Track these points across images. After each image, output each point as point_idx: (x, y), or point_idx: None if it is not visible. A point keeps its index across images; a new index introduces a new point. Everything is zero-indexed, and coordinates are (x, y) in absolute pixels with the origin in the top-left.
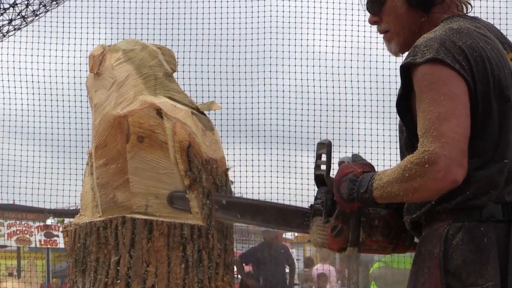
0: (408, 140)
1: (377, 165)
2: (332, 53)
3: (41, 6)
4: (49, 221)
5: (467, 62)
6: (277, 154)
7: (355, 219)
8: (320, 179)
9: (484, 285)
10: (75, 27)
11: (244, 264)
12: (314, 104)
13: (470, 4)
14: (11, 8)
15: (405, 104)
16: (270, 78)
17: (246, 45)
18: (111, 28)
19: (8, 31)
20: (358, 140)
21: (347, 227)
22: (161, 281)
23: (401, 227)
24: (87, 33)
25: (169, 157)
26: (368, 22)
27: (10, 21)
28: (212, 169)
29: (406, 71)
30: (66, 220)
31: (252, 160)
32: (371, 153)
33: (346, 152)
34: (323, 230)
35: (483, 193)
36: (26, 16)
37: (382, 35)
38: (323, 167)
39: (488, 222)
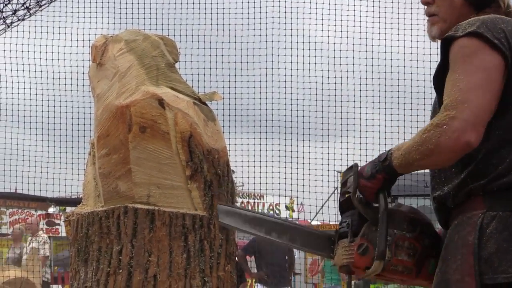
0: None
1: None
2: (335, 43)
3: None
4: (51, 210)
5: (506, 40)
6: (279, 145)
7: (382, 232)
8: (344, 206)
9: None
10: (78, 17)
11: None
12: (316, 94)
13: (509, 4)
14: None
15: (442, 78)
16: (273, 68)
17: (248, 35)
18: (114, 18)
19: (12, 22)
20: (361, 131)
21: (372, 247)
22: (163, 271)
23: (426, 251)
24: (90, 22)
25: (171, 147)
26: (421, 2)
27: (14, 12)
28: (213, 160)
29: (446, 45)
30: (68, 209)
31: (254, 150)
32: (373, 144)
33: (347, 142)
34: (349, 249)
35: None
36: (30, 7)
37: (427, 17)
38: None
39: None
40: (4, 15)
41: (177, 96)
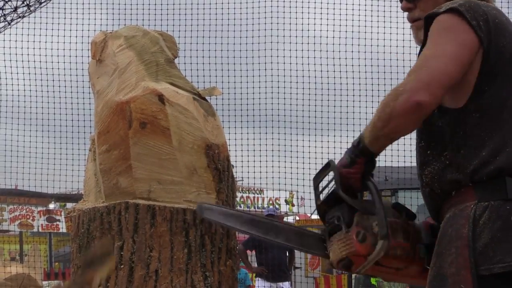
0: None
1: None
2: (333, 37)
3: None
4: (51, 206)
5: (485, 23)
6: (279, 139)
7: (380, 212)
8: (324, 208)
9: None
10: (77, 14)
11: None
12: (316, 88)
13: None
14: None
15: None
16: (272, 62)
17: (247, 30)
18: (113, 14)
19: (12, 19)
20: (360, 124)
21: (369, 233)
22: (164, 266)
23: (417, 235)
24: (89, 19)
25: (171, 142)
26: (401, 8)
27: (15, 9)
28: (214, 155)
29: (427, 23)
30: (68, 205)
31: (254, 144)
32: None
33: (347, 136)
34: (347, 239)
35: (499, 152)
36: (30, 4)
37: (410, 23)
38: (322, 196)
39: None
40: (5, 13)
41: (177, 91)
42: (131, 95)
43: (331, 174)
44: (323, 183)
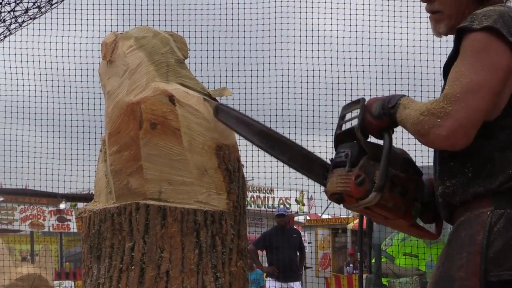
0: None
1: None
2: (344, 37)
3: None
4: (61, 206)
5: None
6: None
7: (384, 167)
8: (341, 137)
9: None
10: (87, 14)
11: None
12: (326, 88)
13: None
14: None
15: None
16: (282, 63)
17: (257, 30)
18: (123, 14)
19: (23, 21)
20: None
21: (368, 179)
22: (175, 267)
23: (415, 193)
24: (99, 19)
25: (181, 143)
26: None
27: (26, 10)
28: (224, 155)
29: (460, 35)
30: (79, 205)
31: None
32: None
33: None
34: (346, 178)
35: None
36: (41, 6)
37: (429, 14)
38: (344, 127)
39: None
40: (16, 14)
41: (187, 92)
42: (141, 96)
43: (355, 112)
44: (351, 115)
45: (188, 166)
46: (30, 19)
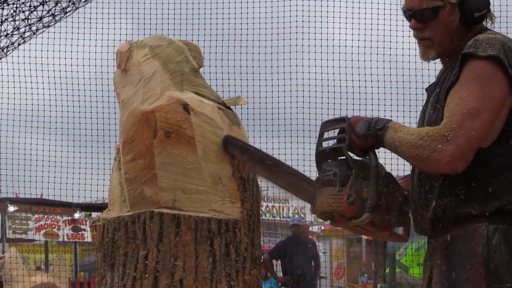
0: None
1: (398, 158)
2: (358, 47)
3: (70, 3)
4: (76, 215)
5: None
6: (304, 148)
7: (373, 187)
8: (323, 155)
9: None
10: (102, 23)
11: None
12: (341, 98)
13: (495, 17)
14: (41, 6)
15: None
16: (297, 72)
17: (272, 40)
18: (138, 23)
19: (37, 29)
20: None
21: (359, 198)
22: (189, 275)
23: (397, 206)
24: (114, 28)
25: (196, 152)
26: (410, 26)
27: (40, 18)
28: (238, 164)
29: (464, 60)
30: (94, 214)
31: (279, 154)
32: None
33: None
34: (338, 197)
35: None
36: (55, 14)
37: (419, 41)
38: (326, 144)
39: None
40: (30, 22)
41: (201, 101)
42: (156, 105)
43: (337, 130)
44: (330, 133)
45: (202, 174)
46: (44, 27)
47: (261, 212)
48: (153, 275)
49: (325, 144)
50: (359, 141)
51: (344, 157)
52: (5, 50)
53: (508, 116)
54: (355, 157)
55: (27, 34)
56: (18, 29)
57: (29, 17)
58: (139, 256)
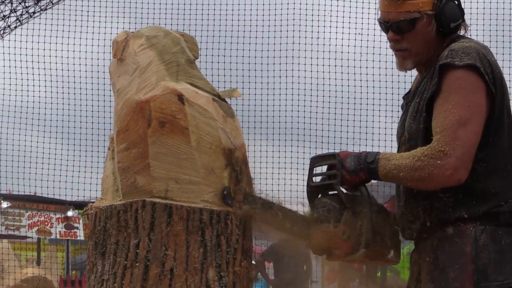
0: (425, 130)
1: None
2: (355, 52)
3: None
4: (69, 213)
5: (492, 76)
6: (297, 152)
7: (368, 224)
8: (315, 191)
9: (504, 282)
10: (94, 16)
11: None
12: (336, 102)
13: (468, 26)
14: None
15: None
16: (293, 76)
17: (269, 43)
18: (135, 17)
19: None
20: (379, 140)
21: (354, 233)
22: (180, 265)
23: (386, 231)
24: (105, 22)
25: (189, 142)
26: (387, 38)
27: (38, 1)
28: (231, 156)
29: (442, 71)
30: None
31: (273, 157)
32: (385, 147)
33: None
34: (334, 234)
35: (506, 201)
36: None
37: (395, 52)
38: (316, 179)
39: (504, 227)
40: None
41: (196, 92)
42: (151, 94)
43: (327, 164)
44: (320, 167)
45: (196, 165)
46: (42, 10)
47: None
48: (143, 264)
49: (315, 180)
50: (351, 176)
51: (335, 192)
52: (1, 32)
53: (486, 121)
54: (345, 191)
55: (24, 16)
56: (15, 11)
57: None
58: (130, 244)
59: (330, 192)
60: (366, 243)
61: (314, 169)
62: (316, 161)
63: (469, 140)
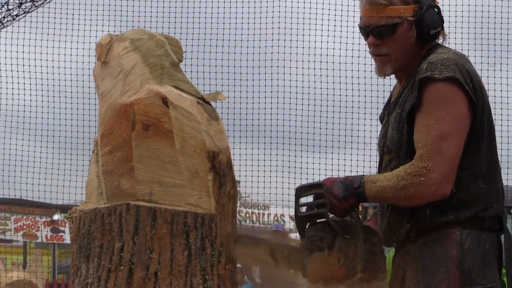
0: (408, 142)
1: (364, 166)
2: (340, 55)
3: None
4: (55, 217)
5: (472, 85)
6: (283, 155)
7: (361, 249)
8: (305, 220)
9: (487, 285)
10: (78, 19)
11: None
12: (321, 105)
13: (447, 35)
14: None
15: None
16: (278, 79)
17: (254, 46)
18: (121, 21)
19: (17, 15)
20: (365, 143)
21: (347, 259)
22: (164, 268)
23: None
24: (90, 25)
25: (173, 145)
26: (367, 43)
27: (20, 4)
28: (215, 159)
29: (422, 84)
30: None
31: (258, 160)
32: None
33: (351, 154)
34: (329, 263)
35: (489, 206)
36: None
37: (375, 57)
38: (304, 209)
39: (488, 231)
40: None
41: (181, 95)
42: (135, 97)
43: (313, 194)
44: (306, 199)
45: (180, 168)
46: (25, 12)
47: (240, 218)
48: (128, 267)
49: (303, 210)
50: (341, 203)
51: (323, 220)
52: None
53: (470, 130)
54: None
55: (7, 19)
56: None
57: (9, 1)
58: (115, 248)
59: (318, 220)
60: (362, 267)
61: (300, 199)
62: (302, 191)
63: (451, 153)
